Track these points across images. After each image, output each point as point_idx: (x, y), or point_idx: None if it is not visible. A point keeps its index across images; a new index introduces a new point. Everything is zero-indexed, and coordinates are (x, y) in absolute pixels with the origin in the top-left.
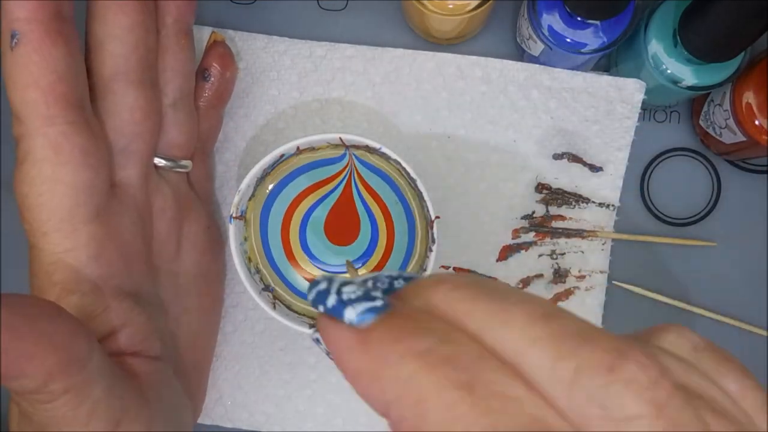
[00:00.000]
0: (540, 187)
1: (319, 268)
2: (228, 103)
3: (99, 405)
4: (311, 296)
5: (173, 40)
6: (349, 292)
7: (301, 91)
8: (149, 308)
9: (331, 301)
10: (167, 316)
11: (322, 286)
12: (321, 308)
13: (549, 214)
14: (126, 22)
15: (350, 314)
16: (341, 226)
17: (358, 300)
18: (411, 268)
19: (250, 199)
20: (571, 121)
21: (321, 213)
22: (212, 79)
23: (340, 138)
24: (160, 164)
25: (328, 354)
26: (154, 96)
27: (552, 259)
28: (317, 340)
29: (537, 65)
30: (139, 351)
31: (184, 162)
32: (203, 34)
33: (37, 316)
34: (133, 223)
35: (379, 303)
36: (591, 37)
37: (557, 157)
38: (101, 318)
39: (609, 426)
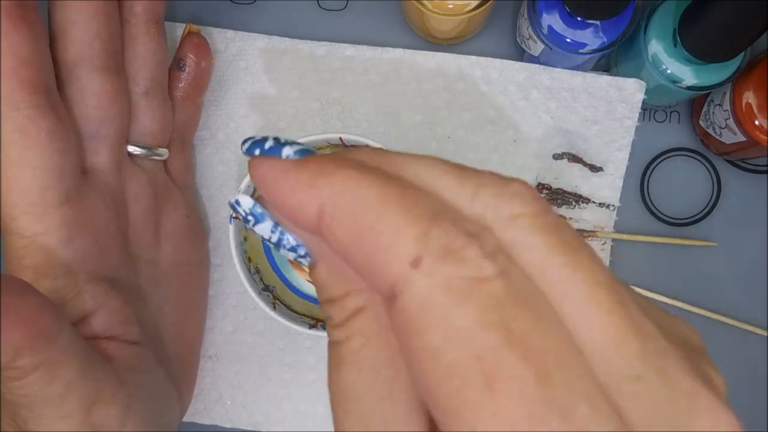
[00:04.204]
0: (540, 187)
1: None
2: (205, 93)
3: (72, 385)
4: (246, 146)
5: (143, 29)
6: (284, 138)
7: (301, 91)
8: (127, 294)
9: (269, 143)
10: (148, 304)
11: (258, 137)
12: (257, 152)
13: None
14: (87, 8)
15: (288, 150)
16: None
17: (294, 143)
18: None
19: None
20: (571, 121)
21: None
22: (188, 69)
23: (341, 138)
24: (135, 152)
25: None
26: (120, 82)
27: None
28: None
29: (537, 65)
30: (116, 335)
31: (159, 150)
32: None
33: (3, 291)
34: (106, 209)
35: (312, 149)
36: (591, 37)
37: (557, 157)
38: (74, 301)
39: (499, 223)
